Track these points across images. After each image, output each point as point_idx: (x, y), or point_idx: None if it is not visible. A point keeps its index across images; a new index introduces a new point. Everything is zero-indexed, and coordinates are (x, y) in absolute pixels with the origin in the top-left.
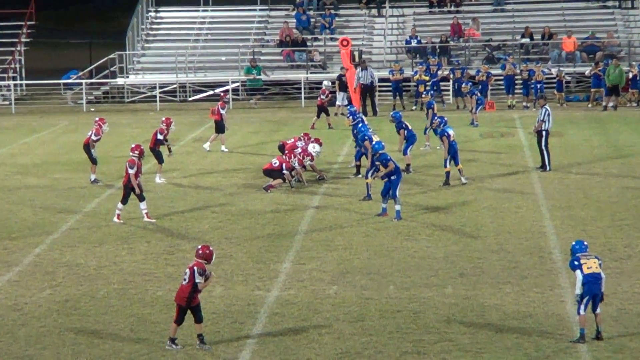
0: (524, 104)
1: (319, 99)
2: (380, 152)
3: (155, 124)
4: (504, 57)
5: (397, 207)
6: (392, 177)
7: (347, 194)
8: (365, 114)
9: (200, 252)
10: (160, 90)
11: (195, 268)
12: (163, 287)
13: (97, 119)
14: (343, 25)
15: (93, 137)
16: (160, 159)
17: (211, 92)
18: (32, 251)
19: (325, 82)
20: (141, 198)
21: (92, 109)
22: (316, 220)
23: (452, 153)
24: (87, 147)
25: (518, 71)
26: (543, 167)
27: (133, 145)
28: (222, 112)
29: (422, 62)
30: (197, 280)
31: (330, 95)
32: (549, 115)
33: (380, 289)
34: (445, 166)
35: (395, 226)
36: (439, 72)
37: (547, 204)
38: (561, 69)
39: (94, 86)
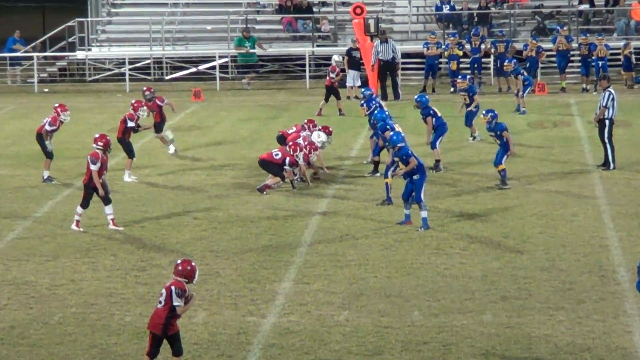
0: (583, 85)
1: (327, 78)
2: (399, 145)
3: (123, 108)
4: (557, 28)
5: (423, 214)
6: (415, 177)
7: (362, 197)
8: (384, 97)
9: (179, 268)
10: (131, 66)
11: (173, 288)
12: (132, 311)
13: (56, 105)
14: None
15: (47, 127)
16: (130, 153)
17: (194, 70)
18: None
19: (335, 57)
20: (106, 201)
21: (46, 90)
22: (323, 229)
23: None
24: (40, 137)
25: (575, 45)
26: (606, 164)
27: (97, 135)
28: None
29: (454, 34)
30: (175, 304)
31: (341, 74)
32: (613, 100)
33: (402, 315)
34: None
35: (422, 237)
36: (482, 46)
37: (611, 210)
38: (629, 42)
39: (48, 61)
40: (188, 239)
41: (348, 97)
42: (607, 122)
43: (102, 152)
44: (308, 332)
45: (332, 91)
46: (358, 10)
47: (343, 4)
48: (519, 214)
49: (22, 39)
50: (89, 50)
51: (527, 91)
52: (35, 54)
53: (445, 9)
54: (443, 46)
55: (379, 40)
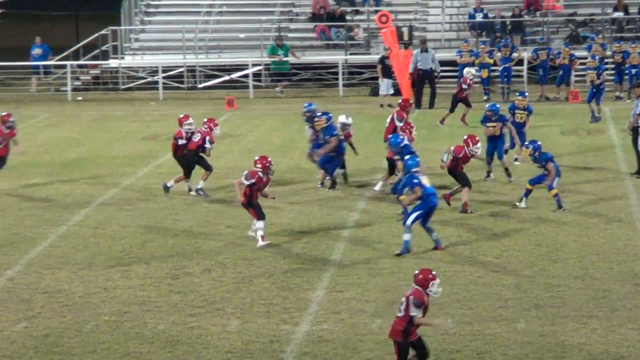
0: (617, 93)
1: (457, 88)
2: (413, 170)
3: (157, 116)
4: (592, 37)
5: (405, 237)
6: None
7: (395, 206)
8: (418, 105)
9: (418, 277)
10: (164, 74)
11: (411, 298)
12: (165, 319)
13: (205, 120)
14: None
15: (208, 145)
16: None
17: (227, 78)
18: (3, 274)
19: (469, 70)
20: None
21: (79, 98)
22: (356, 237)
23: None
24: (193, 153)
25: (609, 53)
26: (639, 172)
27: (256, 157)
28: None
29: (485, 42)
30: (412, 314)
31: (472, 84)
32: None
33: None
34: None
35: (454, 245)
36: (515, 55)
37: None
38: None
39: (81, 69)
40: (221, 246)
41: (381, 106)
42: None
43: (261, 172)
44: (341, 341)
45: (462, 101)
46: (383, 19)
47: (376, 12)
48: (552, 221)
49: (44, 44)
50: (122, 58)
51: (601, 97)
52: (68, 62)
53: (479, 17)
54: (474, 54)
55: (419, 50)
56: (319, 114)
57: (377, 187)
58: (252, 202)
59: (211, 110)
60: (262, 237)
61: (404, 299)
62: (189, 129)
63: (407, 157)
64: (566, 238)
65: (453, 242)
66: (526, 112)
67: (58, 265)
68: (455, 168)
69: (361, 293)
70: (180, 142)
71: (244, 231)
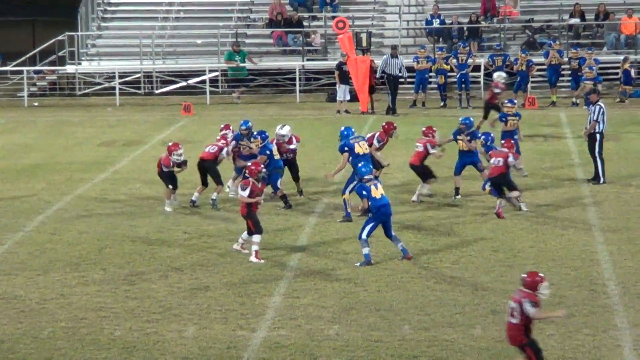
0: (573, 100)
1: (488, 94)
2: (365, 177)
3: (113, 122)
4: (549, 43)
5: (364, 250)
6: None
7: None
8: (393, 110)
9: (526, 280)
10: (121, 80)
11: (525, 301)
12: (122, 325)
13: (222, 125)
14: (348, 1)
15: (224, 154)
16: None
17: (184, 84)
18: None
19: (500, 74)
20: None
21: (35, 104)
22: (313, 243)
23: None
24: (212, 162)
25: (565, 59)
26: (596, 178)
27: (249, 164)
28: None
29: (442, 48)
30: (531, 315)
31: (504, 88)
32: (603, 114)
33: (392, 329)
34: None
35: (411, 251)
36: (470, 61)
37: (601, 224)
38: (628, 56)
39: (38, 75)
40: (178, 253)
41: (338, 112)
42: (597, 136)
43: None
44: (298, 347)
45: (494, 107)
46: (341, 25)
47: (333, 18)
48: (509, 228)
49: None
50: (79, 64)
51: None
52: (25, 68)
53: (436, 23)
54: (431, 60)
55: (389, 55)
56: (255, 132)
57: (424, 190)
58: (251, 213)
59: (168, 116)
60: (256, 253)
61: (514, 305)
62: (177, 160)
63: (360, 164)
64: (523, 244)
65: (410, 248)
66: (517, 118)
67: (14, 272)
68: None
69: (318, 299)
70: (165, 169)
71: (201, 237)
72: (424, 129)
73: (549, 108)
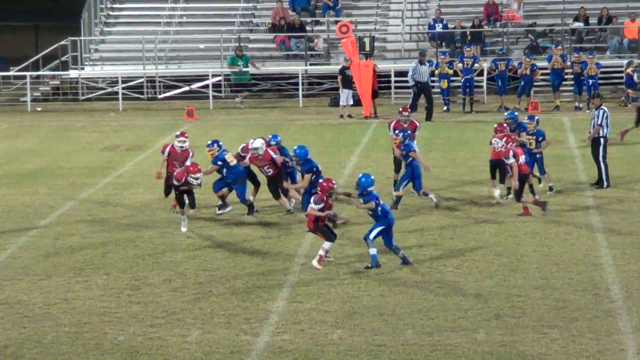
0: (576, 104)
1: None
2: (368, 189)
3: (116, 127)
4: (552, 47)
5: (371, 251)
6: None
7: (355, 216)
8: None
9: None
10: (124, 85)
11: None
12: (126, 330)
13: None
14: (351, 5)
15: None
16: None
17: (187, 88)
18: None
19: None
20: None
21: (38, 109)
22: (316, 247)
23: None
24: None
25: (568, 64)
26: (599, 183)
27: (321, 180)
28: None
29: (445, 52)
30: None
31: None
32: (607, 118)
33: (395, 333)
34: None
35: (415, 255)
36: (476, 65)
37: (605, 228)
38: (632, 60)
39: (41, 80)
40: (181, 257)
41: (341, 116)
42: (601, 140)
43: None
44: (301, 351)
45: None
46: (344, 29)
47: (336, 22)
48: (513, 232)
49: None
50: (82, 69)
51: None
52: (28, 73)
53: (438, 27)
54: (434, 65)
55: (417, 61)
56: (209, 142)
57: (497, 195)
58: (317, 226)
59: (171, 121)
60: (320, 258)
61: None
62: (193, 182)
63: (360, 175)
64: (526, 248)
65: (413, 253)
66: (535, 137)
67: (18, 276)
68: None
69: (321, 304)
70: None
71: (205, 242)
72: (496, 126)
73: (552, 112)
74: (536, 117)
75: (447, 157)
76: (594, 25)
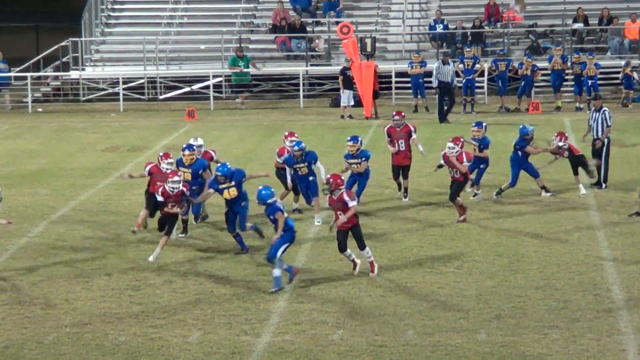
0: (576, 104)
1: None
2: (268, 201)
3: (117, 128)
4: (552, 47)
5: (275, 272)
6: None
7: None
8: (442, 119)
9: None
10: (124, 86)
11: None
12: (127, 330)
13: (286, 133)
14: (352, 6)
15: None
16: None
17: (187, 89)
18: None
19: None
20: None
21: (39, 110)
22: (317, 248)
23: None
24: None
25: (568, 64)
26: (599, 183)
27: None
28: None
29: (447, 53)
30: None
31: None
32: (610, 118)
33: (396, 334)
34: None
35: (415, 256)
36: (477, 66)
37: (605, 229)
38: (630, 60)
39: (41, 81)
40: (182, 258)
41: (342, 117)
42: (605, 140)
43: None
44: (302, 352)
45: None
46: (345, 30)
47: (337, 23)
48: (513, 232)
49: (5, 59)
50: (83, 70)
51: None
52: (29, 74)
53: (439, 28)
54: (428, 65)
55: (440, 61)
56: (185, 145)
57: (582, 191)
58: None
59: (172, 122)
60: (372, 266)
61: None
62: (173, 187)
63: (260, 187)
64: (527, 249)
65: (414, 253)
66: (478, 145)
67: (19, 277)
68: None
69: (322, 304)
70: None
71: (205, 242)
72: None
73: (553, 113)
74: (484, 124)
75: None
76: (594, 26)
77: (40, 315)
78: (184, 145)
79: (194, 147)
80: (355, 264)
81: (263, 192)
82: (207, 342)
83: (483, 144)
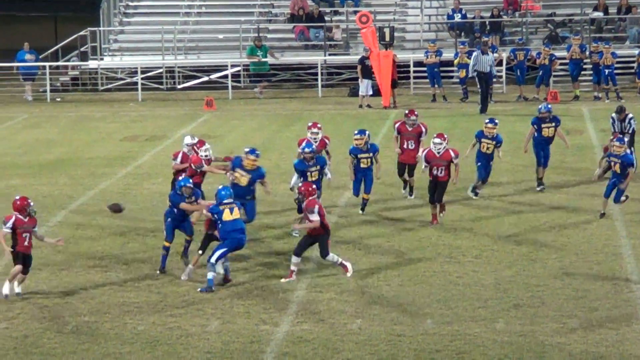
0: (595, 94)
1: None
2: (225, 201)
3: (135, 117)
4: (571, 36)
5: (209, 274)
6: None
7: (374, 206)
8: (484, 109)
9: None
10: (143, 75)
11: None
12: (145, 320)
13: (310, 123)
14: None
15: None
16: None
17: (206, 79)
18: None
19: None
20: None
21: (58, 99)
22: (335, 237)
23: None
24: None
25: (587, 53)
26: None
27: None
28: None
29: (464, 42)
30: None
31: None
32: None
33: (415, 323)
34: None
35: (434, 246)
36: (496, 55)
37: (624, 218)
38: None
39: (60, 70)
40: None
41: (360, 106)
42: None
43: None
44: (321, 341)
45: None
46: (364, 19)
47: (355, 12)
48: (532, 222)
49: (33, 50)
50: (102, 59)
51: None
52: (47, 64)
53: (457, 18)
54: (448, 54)
55: (479, 51)
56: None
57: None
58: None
59: (190, 111)
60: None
61: None
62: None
63: (219, 187)
64: (545, 238)
65: (433, 242)
66: (493, 142)
67: (38, 267)
68: None
69: (340, 293)
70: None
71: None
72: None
73: (572, 102)
74: (496, 121)
75: (466, 147)
76: (613, 15)
77: (59, 304)
78: (248, 149)
79: (259, 154)
80: (345, 267)
81: (223, 192)
82: (226, 332)
83: (497, 141)
